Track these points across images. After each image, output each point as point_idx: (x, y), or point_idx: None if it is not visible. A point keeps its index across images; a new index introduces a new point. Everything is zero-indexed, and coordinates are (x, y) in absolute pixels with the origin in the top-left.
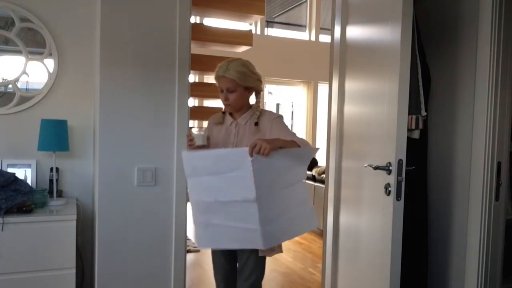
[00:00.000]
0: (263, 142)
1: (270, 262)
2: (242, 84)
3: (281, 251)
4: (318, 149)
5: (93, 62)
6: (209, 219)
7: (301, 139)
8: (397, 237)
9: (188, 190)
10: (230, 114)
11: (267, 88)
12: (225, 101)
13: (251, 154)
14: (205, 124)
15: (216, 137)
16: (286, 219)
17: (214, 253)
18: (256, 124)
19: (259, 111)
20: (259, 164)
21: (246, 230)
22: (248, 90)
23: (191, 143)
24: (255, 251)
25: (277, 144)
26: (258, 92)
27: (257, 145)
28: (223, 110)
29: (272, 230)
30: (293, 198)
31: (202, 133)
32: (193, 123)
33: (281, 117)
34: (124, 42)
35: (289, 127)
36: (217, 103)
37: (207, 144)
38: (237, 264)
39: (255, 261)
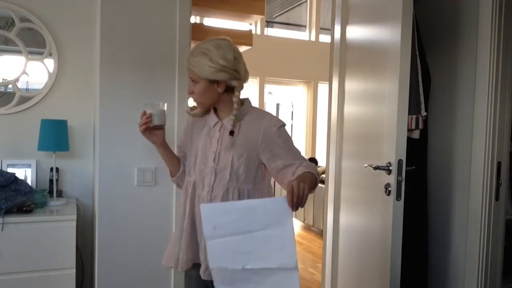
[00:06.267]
0: (300, 182)
1: None
2: (202, 76)
3: None
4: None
5: (93, 62)
6: None
7: (310, 163)
8: (397, 237)
9: (207, 256)
10: (215, 111)
11: (267, 88)
12: (189, 94)
13: (291, 203)
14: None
15: (196, 139)
16: None
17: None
18: (231, 133)
19: (234, 116)
20: None
21: None
22: (216, 84)
23: (147, 122)
24: None
25: (308, 183)
26: (233, 89)
27: (294, 189)
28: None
29: None
30: None
31: (161, 107)
32: None
33: (284, 126)
34: (124, 42)
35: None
36: None
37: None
38: None
39: None
